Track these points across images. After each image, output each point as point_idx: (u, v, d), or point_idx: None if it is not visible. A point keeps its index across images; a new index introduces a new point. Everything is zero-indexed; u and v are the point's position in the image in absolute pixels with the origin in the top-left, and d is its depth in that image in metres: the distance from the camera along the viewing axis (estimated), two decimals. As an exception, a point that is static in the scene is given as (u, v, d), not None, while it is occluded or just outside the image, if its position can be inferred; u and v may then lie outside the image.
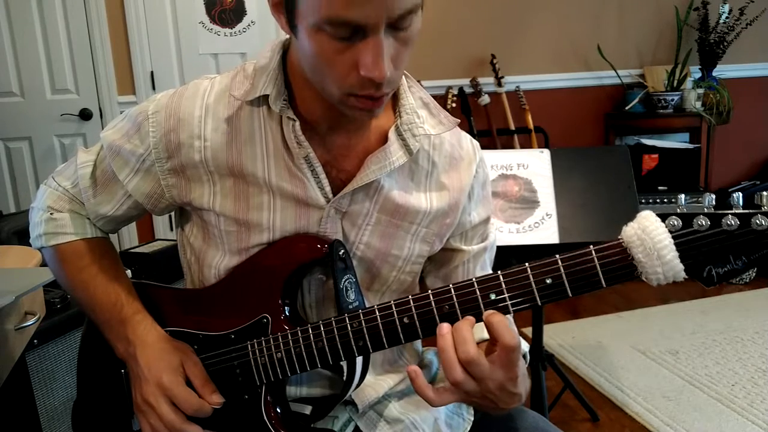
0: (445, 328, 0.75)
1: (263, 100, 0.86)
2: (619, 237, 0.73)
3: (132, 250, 2.07)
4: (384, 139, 0.88)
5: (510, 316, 0.79)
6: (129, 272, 0.99)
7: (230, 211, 0.89)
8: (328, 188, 0.87)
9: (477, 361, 0.72)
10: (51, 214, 0.97)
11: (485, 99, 3.59)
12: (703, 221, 0.70)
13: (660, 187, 3.51)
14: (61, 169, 1.01)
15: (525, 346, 0.90)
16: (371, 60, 0.71)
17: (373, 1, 0.68)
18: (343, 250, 0.88)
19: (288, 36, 0.88)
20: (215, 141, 0.87)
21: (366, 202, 0.89)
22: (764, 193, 0.68)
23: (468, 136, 1.00)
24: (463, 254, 0.99)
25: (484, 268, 1.02)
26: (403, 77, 0.91)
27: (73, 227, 0.97)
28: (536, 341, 2.07)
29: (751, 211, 0.68)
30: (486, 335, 0.78)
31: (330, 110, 0.84)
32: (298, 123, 0.84)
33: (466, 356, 0.72)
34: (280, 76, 0.86)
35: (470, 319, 0.76)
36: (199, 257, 0.95)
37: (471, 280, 0.77)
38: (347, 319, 0.82)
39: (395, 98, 0.91)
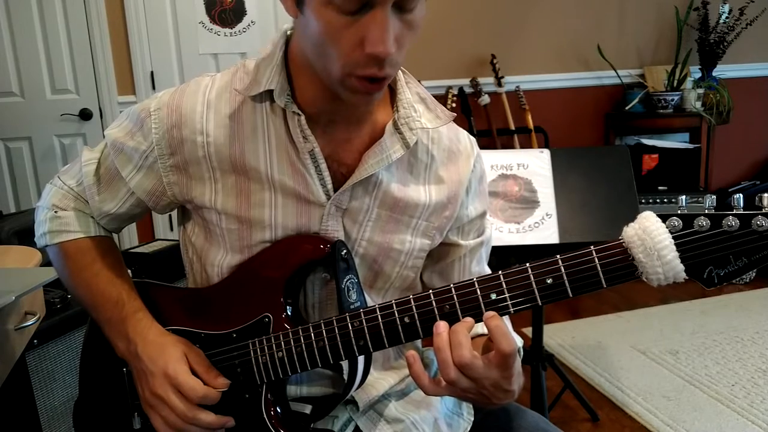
0: (441, 326, 0.76)
1: (266, 95, 0.87)
2: (620, 237, 0.73)
3: (132, 250, 2.07)
4: (382, 133, 0.89)
5: (506, 316, 0.80)
6: (129, 272, 0.99)
7: (232, 208, 0.89)
8: (329, 183, 0.88)
9: (471, 365, 0.73)
10: (55, 212, 0.98)
11: (485, 99, 3.59)
12: (703, 222, 0.70)
13: (660, 187, 3.51)
14: (66, 169, 1.02)
15: (519, 342, 0.91)
16: (377, 35, 0.72)
17: None
18: (345, 250, 0.88)
19: (288, 31, 0.88)
20: (218, 136, 0.88)
21: (366, 198, 0.90)
22: (765, 194, 0.68)
23: (465, 132, 1.01)
24: (459, 249, 1.00)
25: (480, 262, 1.03)
26: (401, 73, 0.92)
27: (77, 225, 0.98)
28: (536, 341, 2.07)
29: (751, 212, 0.69)
30: (486, 330, 0.79)
31: (330, 102, 0.85)
32: (303, 117, 0.85)
33: (460, 360, 0.73)
34: (284, 71, 0.86)
35: (468, 321, 0.76)
36: (201, 256, 0.96)
37: (472, 279, 0.78)
38: (348, 318, 0.82)
39: (393, 93, 0.92)
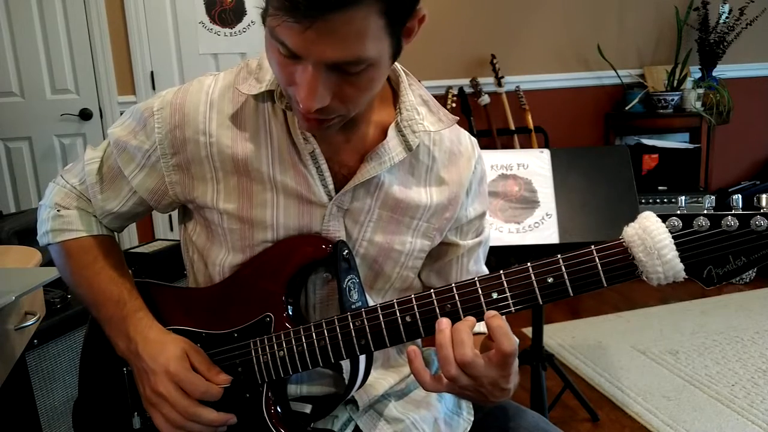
0: (444, 323, 0.76)
1: (268, 95, 0.87)
2: (620, 237, 0.74)
3: (132, 250, 2.07)
4: (384, 135, 0.89)
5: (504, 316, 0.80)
6: (130, 272, 1.00)
7: (233, 208, 0.89)
8: (331, 184, 0.88)
9: (473, 363, 0.73)
10: (58, 211, 0.98)
11: (485, 99, 3.59)
12: (703, 222, 0.70)
13: (660, 187, 3.51)
14: (69, 167, 1.02)
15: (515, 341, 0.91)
16: (302, 87, 0.73)
17: (305, 37, 0.68)
18: (347, 251, 0.88)
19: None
20: (220, 136, 0.88)
21: (367, 199, 0.90)
22: (763, 195, 0.69)
23: (466, 133, 1.01)
24: (458, 248, 1.00)
25: (477, 262, 1.03)
26: (404, 75, 0.92)
27: (79, 224, 0.98)
28: (536, 341, 2.07)
29: (750, 212, 0.69)
30: (484, 329, 0.79)
31: None
32: None
33: (462, 359, 0.73)
34: None
35: (470, 320, 0.77)
36: (203, 255, 0.96)
37: (473, 279, 0.78)
38: (350, 317, 0.82)
39: (395, 95, 0.92)
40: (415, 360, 0.76)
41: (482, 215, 1.02)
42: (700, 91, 3.70)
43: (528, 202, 1.86)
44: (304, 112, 0.75)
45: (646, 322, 3.03)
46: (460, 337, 0.74)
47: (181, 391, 0.86)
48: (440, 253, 1.00)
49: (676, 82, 3.70)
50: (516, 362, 0.78)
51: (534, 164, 1.91)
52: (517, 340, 0.92)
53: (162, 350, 0.88)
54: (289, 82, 0.75)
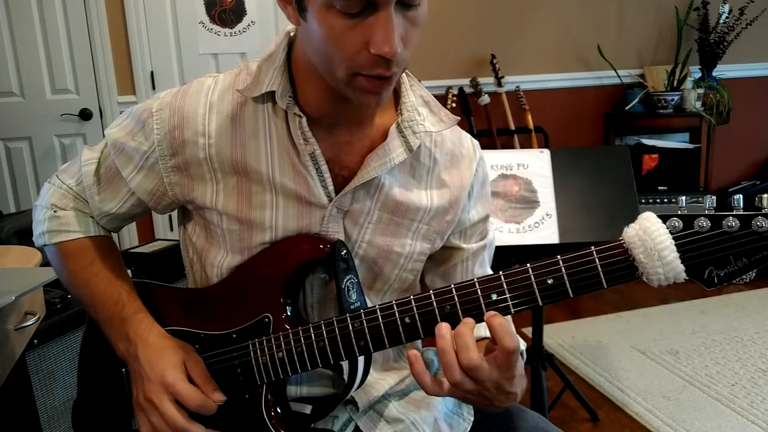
0: (444, 328, 0.75)
1: (268, 96, 0.87)
2: (621, 238, 0.74)
3: (132, 250, 2.07)
4: (385, 137, 0.88)
5: (509, 316, 0.80)
6: (129, 272, 1.00)
7: (232, 209, 0.89)
8: (330, 186, 0.88)
9: (479, 367, 0.73)
10: (54, 212, 0.98)
11: (485, 99, 3.59)
12: (704, 222, 0.70)
13: (660, 187, 3.51)
14: (65, 167, 1.01)
15: (522, 345, 0.91)
16: (382, 36, 0.71)
17: None
18: (345, 251, 0.88)
19: (291, 33, 0.88)
20: (219, 138, 0.87)
21: (367, 200, 0.90)
22: (765, 195, 0.68)
23: (468, 135, 1.00)
24: (462, 252, 0.99)
25: (482, 266, 1.03)
26: (405, 75, 0.92)
27: (77, 225, 0.98)
28: (536, 341, 2.07)
29: (751, 212, 0.69)
30: (485, 333, 0.78)
31: (334, 105, 0.85)
32: (304, 119, 0.85)
33: (468, 363, 0.73)
34: (286, 72, 0.86)
35: (470, 321, 0.76)
36: (201, 256, 0.95)
37: (472, 280, 0.78)
38: (349, 318, 0.82)
39: (396, 96, 0.92)
40: (416, 363, 0.76)
41: (485, 218, 1.01)
42: (700, 91, 3.70)
43: (528, 202, 1.86)
44: (390, 56, 0.72)
45: (646, 322, 3.03)
46: (464, 341, 0.73)
47: (172, 403, 0.85)
48: (444, 257, 1.00)
49: (676, 82, 3.70)
50: (521, 365, 0.78)
51: (534, 164, 1.91)
52: (524, 343, 0.92)
53: (160, 357, 0.87)
54: (357, 48, 0.73)
